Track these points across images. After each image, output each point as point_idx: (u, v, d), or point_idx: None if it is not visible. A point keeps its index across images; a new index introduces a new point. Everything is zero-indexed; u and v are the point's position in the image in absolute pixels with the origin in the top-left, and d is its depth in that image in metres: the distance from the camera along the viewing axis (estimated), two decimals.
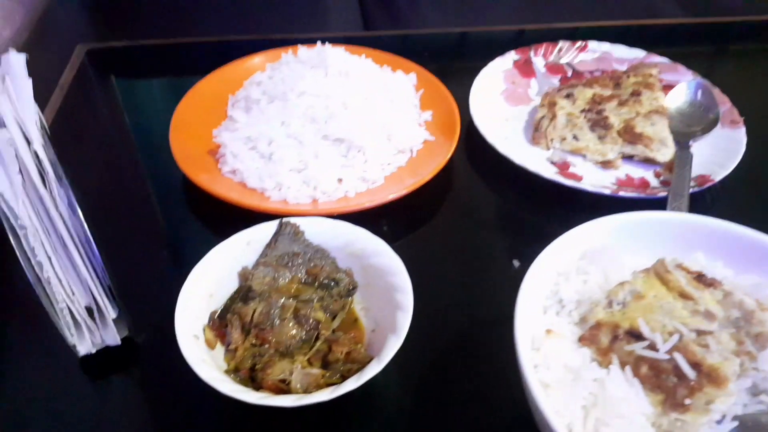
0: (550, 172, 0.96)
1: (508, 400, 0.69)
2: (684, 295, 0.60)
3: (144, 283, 0.82)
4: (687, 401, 0.56)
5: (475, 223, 0.93)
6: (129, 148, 1.07)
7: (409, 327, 0.65)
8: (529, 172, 0.95)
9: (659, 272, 0.62)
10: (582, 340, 0.61)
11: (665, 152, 1.00)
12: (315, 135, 0.93)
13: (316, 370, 0.65)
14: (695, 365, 0.57)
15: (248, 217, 0.82)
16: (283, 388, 0.63)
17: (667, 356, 0.57)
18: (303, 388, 0.62)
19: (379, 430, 0.68)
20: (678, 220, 0.70)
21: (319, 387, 0.63)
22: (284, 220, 0.77)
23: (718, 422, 0.57)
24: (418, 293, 0.68)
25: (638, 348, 0.58)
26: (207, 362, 0.62)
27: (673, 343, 0.57)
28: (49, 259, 0.68)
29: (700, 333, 0.59)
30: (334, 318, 0.72)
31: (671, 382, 0.57)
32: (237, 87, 1.08)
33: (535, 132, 1.05)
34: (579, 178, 0.97)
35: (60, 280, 0.69)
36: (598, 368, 0.58)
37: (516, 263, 0.85)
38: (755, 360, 0.58)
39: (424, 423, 0.68)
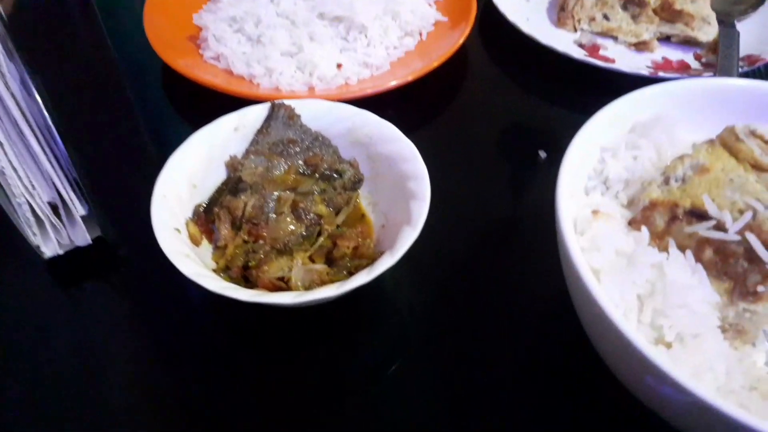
0: (579, 54, 0.84)
1: (541, 295, 0.60)
2: (759, 167, 0.50)
3: (117, 177, 0.71)
4: (760, 288, 0.47)
5: (494, 112, 0.82)
6: (99, 33, 0.95)
7: (426, 220, 0.56)
8: (556, 54, 0.84)
9: (728, 141, 0.52)
10: (633, 223, 0.52)
11: (708, 31, 0.88)
12: (309, 13, 0.81)
13: (319, 266, 0.56)
14: None
15: (236, 107, 0.70)
16: (281, 286, 0.54)
17: (737, 237, 0.48)
18: (305, 285, 0.54)
19: (393, 333, 0.60)
20: (742, 86, 0.59)
21: (324, 285, 0.54)
22: (277, 102, 0.66)
23: None
24: (433, 185, 0.58)
25: (702, 229, 0.49)
26: (191, 258, 0.53)
27: (745, 221, 0.48)
28: (0, 145, 0.58)
29: None
30: (337, 213, 0.63)
31: (741, 268, 0.48)
32: None
33: (561, 12, 0.92)
34: (611, 61, 0.86)
35: (16, 170, 0.59)
36: (655, 252, 0.48)
37: (542, 154, 0.75)
38: None
39: (442, 325, 0.59)
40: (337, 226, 0.61)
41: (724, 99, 0.58)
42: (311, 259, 0.58)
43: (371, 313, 0.60)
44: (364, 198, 0.66)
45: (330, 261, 0.58)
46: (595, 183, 0.55)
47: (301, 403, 0.53)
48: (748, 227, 0.48)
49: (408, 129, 0.64)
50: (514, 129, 0.80)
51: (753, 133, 0.52)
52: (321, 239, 0.59)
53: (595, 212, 0.51)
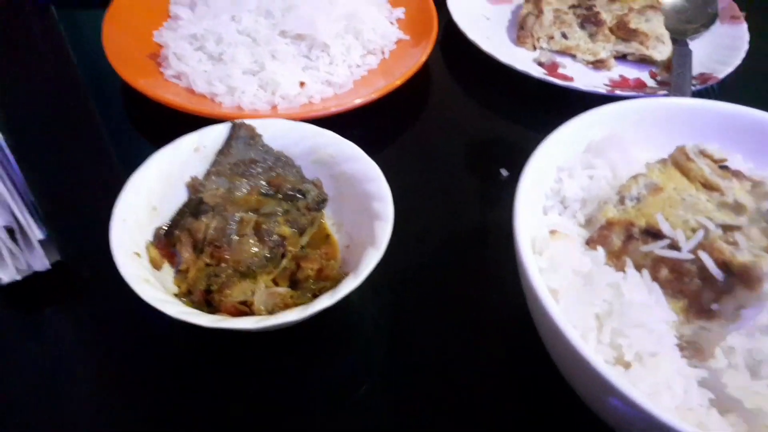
0: (538, 73, 0.86)
1: (505, 313, 0.61)
2: (709, 186, 0.52)
3: (76, 200, 0.70)
4: (714, 306, 0.49)
5: (457, 130, 0.83)
6: (58, 48, 0.93)
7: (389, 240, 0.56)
8: (515, 73, 0.85)
9: (679, 161, 0.54)
10: (590, 242, 0.53)
11: (662, 50, 0.91)
12: (271, 31, 0.81)
13: (282, 289, 0.55)
14: (723, 265, 0.49)
15: (198, 127, 0.69)
16: (244, 310, 0.53)
17: (690, 256, 0.49)
18: (268, 309, 0.53)
19: (358, 354, 0.59)
20: (693, 106, 0.61)
21: (287, 308, 0.53)
22: (238, 121, 0.65)
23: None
24: (397, 203, 0.58)
25: (657, 248, 0.50)
26: (151, 283, 0.52)
27: (697, 240, 0.49)
28: None
29: (727, 228, 0.50)
30: (301, 234, 0.62)
31: (695, 286, 0.50)
32: None
33: (520, 30, 0.94)
34: (569, 79, 0.87)
35: None
36: (612, 272, 0.49)
37: (504, 172, 0.76)
38: None
39: (407, 344, 0.59)
40: (302, 247, 0.61)
41: (676, 118, 0.60)
42: (275, 282, 0.57)
43: (337, 332, 0.60)
44: (328, 218, 0.66)
45: (294, 283, 0.58)
46: (552, 202, 0.56)
47: (267, 427, 0.53)
48: (701, 246, 0.49)
49: (372, 147, 0.64)
50: (476, 147, 0.81)
51: (703, 153, 0.54)
52: (285, 261, 0.59)
53: (552, 232, 0.51)
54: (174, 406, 0.54)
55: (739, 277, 0.48)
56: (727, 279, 0.48)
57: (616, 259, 0.51)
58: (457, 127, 0.84)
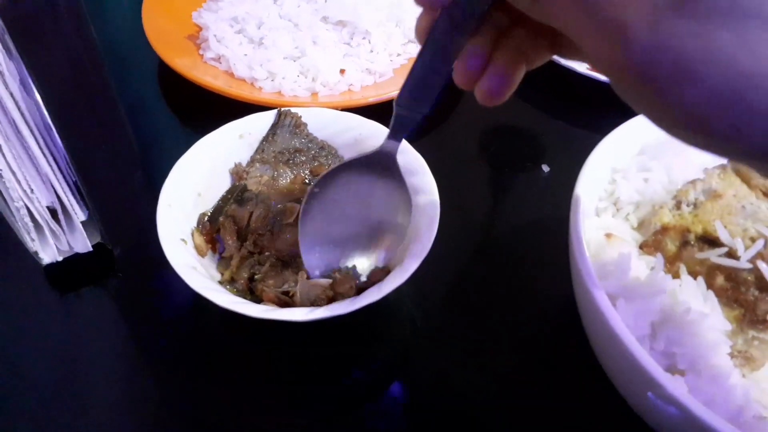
0: (582, 67, 0.84)
1: (546, 310, 0.60)
2: None
3: (118, 181, 0.69)
4: None
5: (495, 124, 0.82)
6: (96, 28, 0.92)
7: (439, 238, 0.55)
8: (558, 67, 0.84)
9: (740, 168, 0.52)
10: (644, 246, 0.52)
11: None
12: (313, 16, 0.80)
13: (324, 281, 0.55)
14: None
15: (236, 111, 0.69)
16: (285, 300, 0.53)
17: (748, 265, 0.48)
18: (309, 300, 0.53)
19: (402, 348, 0.59)
20: None
21: (328, 300, 0.53)
22: (284, 109, 0.65)
23: None
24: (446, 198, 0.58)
25: (714, 256, 0.49)
26: (198, 270, 0.52)
27: (756, 249, 0.48)
28: None
29: None
30: None
31: (752, 296, 0.49)
32: None
33: None
34: None
35: (14, 173, 0.57)
36: (669, 279, 0.48)
37: (546, 168, 0.75)
38: None
39: (446, 343, 0.59)
40: None
41: None
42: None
43: (375, 325, 0.59)
44: None
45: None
46: (605, 204, 0.55)
47: (302, 416, 0.53)
48: (760, 255, 0.48)
49: (411, 138, 0.63)
50: (516, 141, 0.80)
51: None
52: None
53: (608, 235, 0.51)
54: (211, 390, 0.54)
55: None
56: None
57: (670, 264, 0.51)
58: (496, 120, 0.83)
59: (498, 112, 0.84)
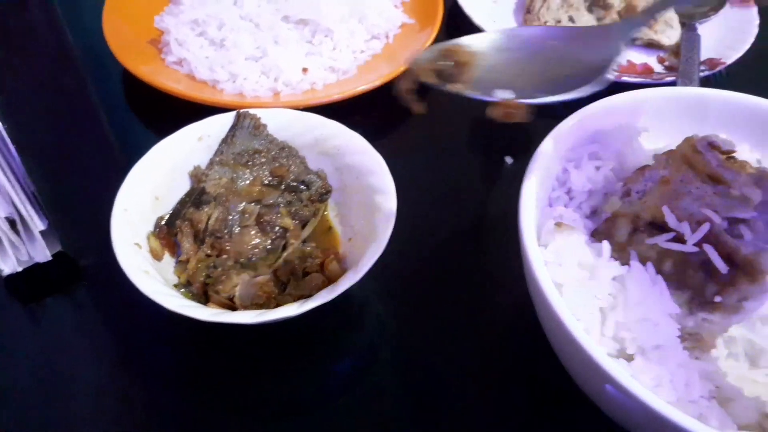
0: None
1: (509, 303, 0.61)
2: (715, 179, 0.51)
3: (77, 190, 0.69)
4: (717, 298, 0.49)
5: (461, 118, 0.82)
6: (57, 36, 0.92)
7: (392, 233, 0.56)
8: None
9: (686, 153, 0.53)
10: (596, 234, 0.52)
11: (671, 34, 0.90)
12: (274, 16, 0.80)
13: (262, 278, 0.55)
14: (727, 258, 0.48)
15: (199, 113, 0.69)
16: (229, 304, 0.53)
17: (695, 249, 0.49)
18: (249, 300, 0.53)
19: (359, 350, 0.60)
20: (702, 95, 0.60)
21: (269, 298, 0.54)
22: (242, 111, 0.65)
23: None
24: (399, 196, 0.58)
25: (662, 241, 0.50)
26: (151, 274, 0.52)
27: (703, 233, 0.49)
28: None
29: (733, 221, 0.50)
30: (304, 226, 0.62)
31: (699, 278, 0.49)
32: None
33: (527, 14, 0.93)
34: None
35: None
36: (617, 265, 0.49)
37: (509, 160, 0.75)
38: None
39: (410, 338, 0.59)
40: (303, 240, 0.61)
41: (685, 108, 0.59)
42: (275, 275, 0.57)
43: (338, 326, 0.60)
44: (331, 210, 0.65)
45: (295, 278, 0.57)
46: (558, 194, 0.56)
47: (266, 417, 0.53)
48: (706, 239, 0.49)
49: (375, 135, 0.64)
50: (480, 134, 0.81)
51: (711, 145, 0.53)
52: (285, 253, 0.58)
53: (558, 224, 0.51)
54: (171, 396, 0.54)
55: (743, 270, 0.48)
56: (731, 271, 0.48)
57: (620, 251, 0.51)
58: (461, 114, 0.83)
59: (461, 104, 0.85)
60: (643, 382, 0.45)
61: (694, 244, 0.49)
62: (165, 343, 0.58)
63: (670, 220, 0.50)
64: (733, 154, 0.54)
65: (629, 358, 0.46)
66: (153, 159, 0.60)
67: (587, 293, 0.47)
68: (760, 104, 0.59)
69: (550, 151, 0.54)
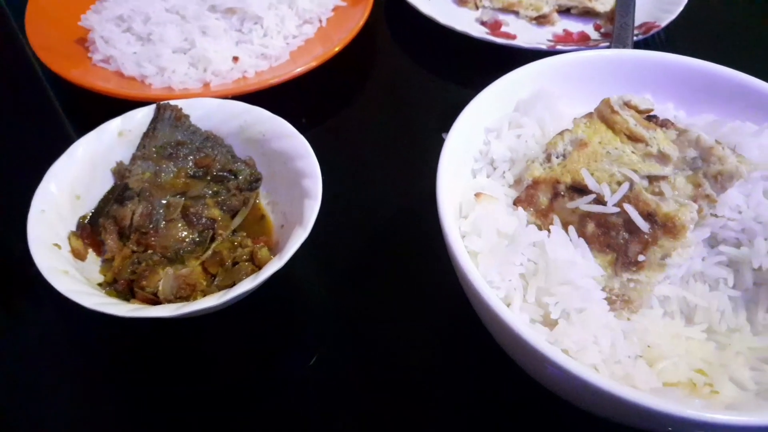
0: (479, 32, 0.84)
1: (440, 284, 0.60)
2: (633, 138, 0.51)
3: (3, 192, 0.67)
4: (640, 258, 0.48)
5: (397, 96, 0.82)
6: None
7: (328, 217, 0.55)
8: (456, 33, 0.83)
9: (604, 114, 0.53)
10: (518, 202, 0.52)
11: (605, 1, 0.89)
12: (200, 6, 0.79)
13: (186, 270, 0.54)
14: (648, 216, 0.48)
15: (128, 109, 0.67)
16: (152, 299, 0.52)
17: (616, 209, 0.48)
18: (173, 294, 0.52)
19: (293, 335, 0.59)
20: (620, 57, 0.60)
21: (195, 290, 0.53)
22: (162, 102, 0.63)
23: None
24: (336, 178, 0.58)
25: (582, 203, 0.49)
26: (71, 274, 0.51)
27: (622, 193, 0.48)
28: None
29: (652, 179, 0.50)
30: (234, 216, 0.61)
31: (622, 239, 0.49)
32: None
33: None
34: (512, 37, 0.86)
35: None
36: (535, 231, 0.48)
37: (446, 136, 0.74)
38: (714, 205, 0.50)
39: (345, 321, 0.59)
40: (234, 231, 0.60)
41: (606, 71, 0.59)
42: (204, 268, 0.56)
43: (276, 309, 0.59)
44: (263, 198, 0.64)
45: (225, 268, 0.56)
46: (481, 165, 0.55)
47: (205, 408, 0.52)
48: (626, 198, 0.49)
49: (313, 119, 0.63)
50: (418, 112, 0.80)
51: (627, 104, 0.53)
52: (214, 245, 0.57)
53: (477, 195, 0.50)
54: (102, 393, 0.53)
55: (663, 226, 0.48)
56: (652, 229, 0.48)
57: (543, 217, 0.51)
58: (399, 93, 0.82)
59: (398, 83, 0.84)
60: (566, 345, 0.44)
61: (614, 205, 0.49)
62: (94, 341, 0.56)
63: (590, 182, 0.50)
64: (652, 112, 0.54)
65: (553, 324, 0.46)
66: (72, 157, 0.59)
67: (506, 260, 0.46)
68: (681, 62, 0.59)
69: (469, 122, 0.54)
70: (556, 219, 0.50)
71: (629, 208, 0.48)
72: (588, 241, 0.49)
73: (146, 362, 0.55)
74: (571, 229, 0.49)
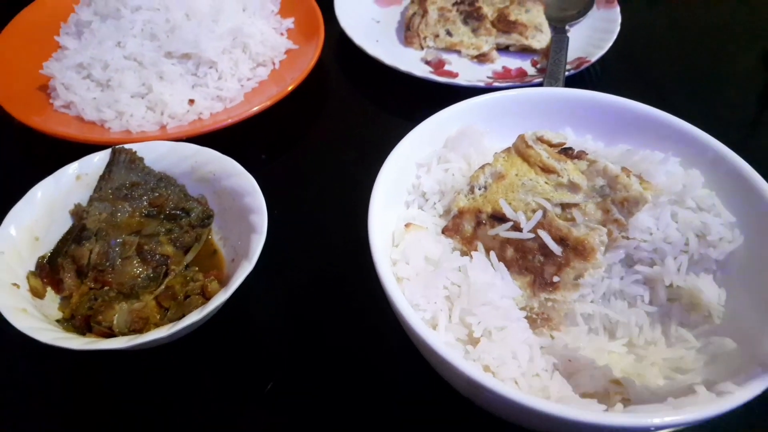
0: (423, 71, 0.90)
1: (376, 318, 0.64)
2: (546, 169, 0.56)
3: None
4: (555, 279, 0.53)
5: (347, 136, 0.86)
6: None
7: (277, 249, 0.58)
8: (400, 73, 0.89)
9: (520, 149, 0.58)
10: (445, 231, 0.56)
11: (541, 38, 0.96)
12: (156, 53, 0.83)
13: (138, 305, 0.57)
14: (561, 240, 0.53)
15: (87, 153, 0.71)
16: (107, 333, 0.55)
17: (531, 235, 0.53)
18: (127, 327, 0.55)
19: (242, 364, 0.62)
20: (541, 94, 0.65)
21: (147, 323, 0.56)
22: (117, 147, 0.67)
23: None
24: (286, 212, 0.61)
25: (502, 231, 0.54)
26: (29, 312, 0.54)
27: (536, 220, 0.53)
28: None
29: (564, 207, 0.55)
30: (187, 252, 0.65)
31: (538, 262, 0.54)
32: (69, 13, 0.94)
33: (407, 31, 0.98)
34: (454, 75, 0.92)
35: None
36: (459, 257, 0.53)
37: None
38: (625, 228, 0.55)
39: (288, 352, 0.62)
40: (186, 266, 0.63)
41: (526, 108, 0.65)
42: (158, 302, 0.59)
43: (233, 336, 0.62)
44: (216, 233, 0.68)
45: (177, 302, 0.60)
46: (414, 197, 0.60)
47: None
48: (540, 225, 0.54)
49: (269, 157, 0.65)
50: (365, 151, 0.83)
51: (541, 139, 0.58)
52: (167, 280, 0.61)
53: (407, 225, 0.55)
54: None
55: (575, 249, 0.53)
56: (565, 252, 0.53)
57: (468, 244, 0.55)
58: (348, 132, 0.87)
59: (348, 123, 0.89)
60: (487, 361, 0.48)
61: (530, 231, 0.53)
62: (49, 380, 0.59)
63: (507, 211, 0.54)
64: (566, 145, 0.59)
65: (476, 342, 0.50)
66: (30, 201, 0.62)
67: (431, 284, 0.51)
68: (597, 98, 0.65)
69: (401, 158, 0.58)
70: (480, 246, 0.55)
71: (543, 234, 0.53)
72: (508, 265, 0.54)
73: (104, 395, 0.58)
74: (492, 254, 0.54)
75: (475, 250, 0.55)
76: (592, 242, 0.53)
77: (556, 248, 0.53)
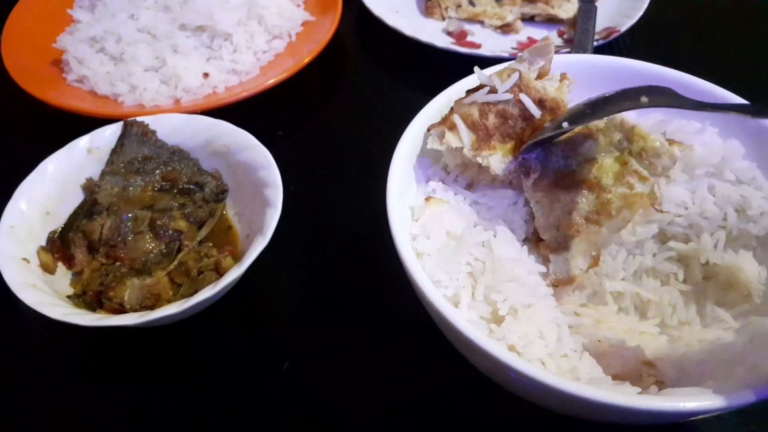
0: (445, 43, 0.86)
1: (395, 295, 0.62)
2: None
3: None
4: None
5: (365, 105, 0.84)
6: None
7: (293, 224, 0.56)
8: (421, 45, 0.86)
9: None
10: (432, 128, 0.54)
11: (568, 8, 0.92)
12: (170, 25, 0.81)
13: (151, 281, 0.56)
14: (539, 102, 0.52)
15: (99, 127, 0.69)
16: (119, 309, 0.54)
17: (509, 95, 0.52)
18: (139, 303, 0.54)
19: (258, 342, 0.60)
20: (568, 62, 0.62)
21: (159, 299, 0.55)
22: (129, 120, 0.65)
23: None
24: (304, 186, 0.59)
25: (480, 96, 0.52)
26: (39, 287, 0.53)
27: (513, 82, 0.52)
28: None
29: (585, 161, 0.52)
30: (200, 227, 0.63)
31: (519, 127, 0.52)
32: None
33: (428, 1, 0.94)
34: (477, 46, 0.88)
35: None
36: (483, 231, 0.50)
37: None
38: (647, 182, 0.52)
39: (310, 328, 0.60)
40: (200, 241, 0.62)
41: None
42: (170, 278, 0.58)
43: (233, 323, 0.60)
44: (230, 208, 0.66)
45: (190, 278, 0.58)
46: (435, 170, 0.57)
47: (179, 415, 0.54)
48: (518, 87, 0.52)
49: (286, 132, 0.63)
50: (384, 121, 0.81)
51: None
52: (180, 255, 0.59)
53: (427, 199, 0.52)
54: (82, 405, 0.55)
55: (550, 110, 0.52)
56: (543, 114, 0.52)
57: (444, 123, 0.53)
58: (366, 102, 0.84)
59: (368, 95, 0.86)
60: (513, 341, 0.46)
61: (507, 92, 0.52)
62: (64, 351, 0.58)
63: (481, 77, 0.53)
64: None
65: (500, 320, 0.48)
66: (41, 175, 0.61)
67: (453, 260, 0.48)
68: (629, 65, 0.62)
69: (419, 131, 0.56)
70: (457, 118, 0.52)
71: (523, 97, 0.52)
72: (490, 132, 0.52)
73: (117, 372, 0.57)
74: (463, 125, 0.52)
75: (454, 126, 0.52)
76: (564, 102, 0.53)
77: (535, 110, 0.51)
